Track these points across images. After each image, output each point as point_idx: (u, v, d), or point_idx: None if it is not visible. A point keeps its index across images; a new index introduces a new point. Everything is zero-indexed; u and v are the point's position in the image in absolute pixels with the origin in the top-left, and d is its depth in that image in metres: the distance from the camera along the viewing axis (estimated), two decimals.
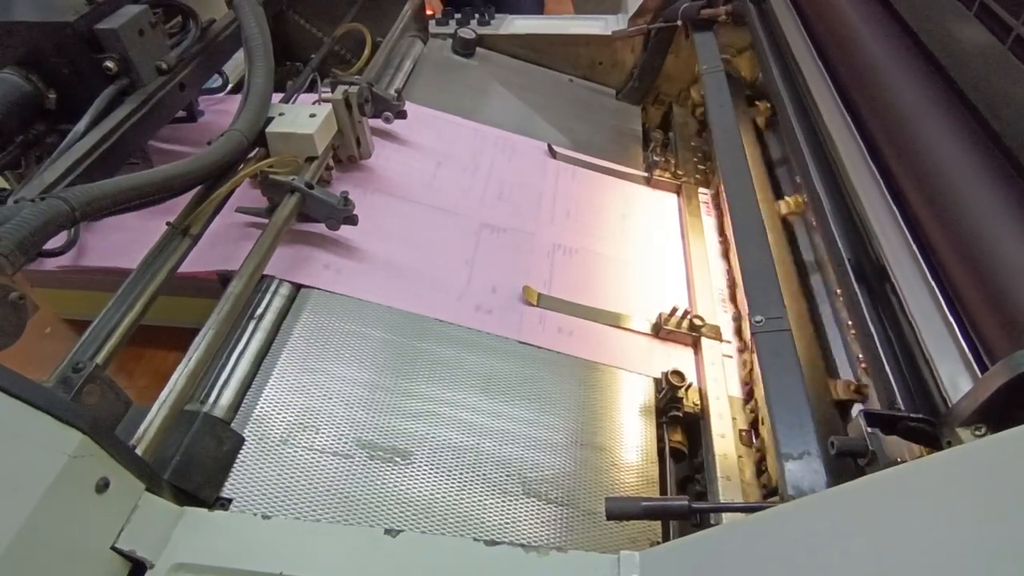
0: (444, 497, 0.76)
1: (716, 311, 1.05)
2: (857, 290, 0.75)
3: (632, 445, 0.87)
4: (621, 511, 0.65)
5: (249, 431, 0.75)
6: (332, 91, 1.09)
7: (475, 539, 0.58)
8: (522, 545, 0.57)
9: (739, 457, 0.84)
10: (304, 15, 1.49)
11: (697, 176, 1.35)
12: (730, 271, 1.14)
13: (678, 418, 0.91)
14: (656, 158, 1.36)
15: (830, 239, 0.82)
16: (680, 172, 1.35)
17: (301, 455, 0.75)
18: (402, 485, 0.75)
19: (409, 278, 1.00)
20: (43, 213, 0.63)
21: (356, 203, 0.98)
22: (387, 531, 0.57)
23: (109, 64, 0.91)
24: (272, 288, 0.91)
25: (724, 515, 0.71)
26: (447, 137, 1.30)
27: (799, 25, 1.15)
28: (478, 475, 0.78)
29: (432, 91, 1.42)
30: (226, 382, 0.79)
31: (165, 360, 1.05)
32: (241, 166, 0.96)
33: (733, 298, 1.10)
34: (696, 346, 1.00)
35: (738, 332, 1.03)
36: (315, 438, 0.77)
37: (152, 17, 0.96)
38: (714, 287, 1.10)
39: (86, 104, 0.89)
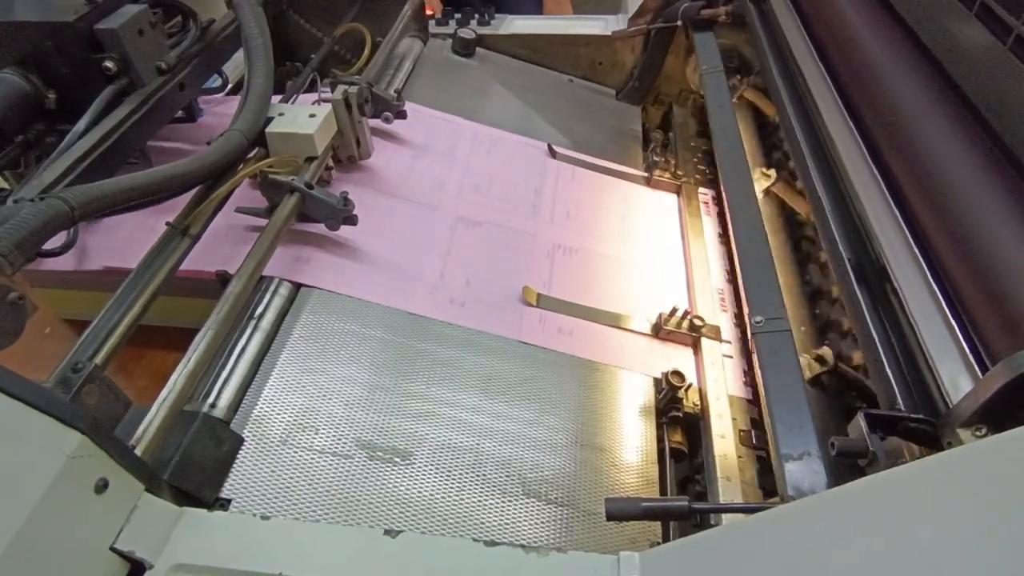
0: (444, 497, 0.75)
1: (716, 311, 1.05)
2: (857, 290, 0.75)
3: (632, 445, 0.87)
4: (621, 512, 0.65)
5: (248, 431, 0.75)
6: (332, 91, 1.09)
7: (475, 540, 0.58)
8: (522, 546, 0.57)
9: (739, 457, 0.84)
10: (304, 15, 1.49)
11: (697, 176, 1.35)
12: (732, 271, 1.14)
13: (678, 418, 0.91)
14: (656, 158, 1.36)
15: (830, 239, 0.82)
16: (680, 172, 1.35)
17: (301, 455, 0.75)
18: (402, 485, 0.75)
19: (409, 278, 0.99)
20: (42, 213, 0.63)
21: (356, 203, 0.98)
22: (387, 531, 0.57)
23: (109, 64, 0.91)
24: (272, 288, 0.91)
25: (724, 516, 0.71)
26: (447, 137, 1.30)
27: (799, 25, 1.15)
28: (478, 475, 0.78)
29: (432, 91, 1.42)
30: (225, 382, 0.79)
31: (164, 360, 1.05)
32: (241, 166, 0.96)
33: (736, 298, 1.10)
34: (696, 346, 1.00)
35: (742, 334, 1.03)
36: (315, 438, 0.77)
37: (152, 17, 0.96)
38: (714, 287, 1.10)
39: (85, 104, 0.89)
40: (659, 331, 1.01)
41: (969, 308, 0.62)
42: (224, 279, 0.90)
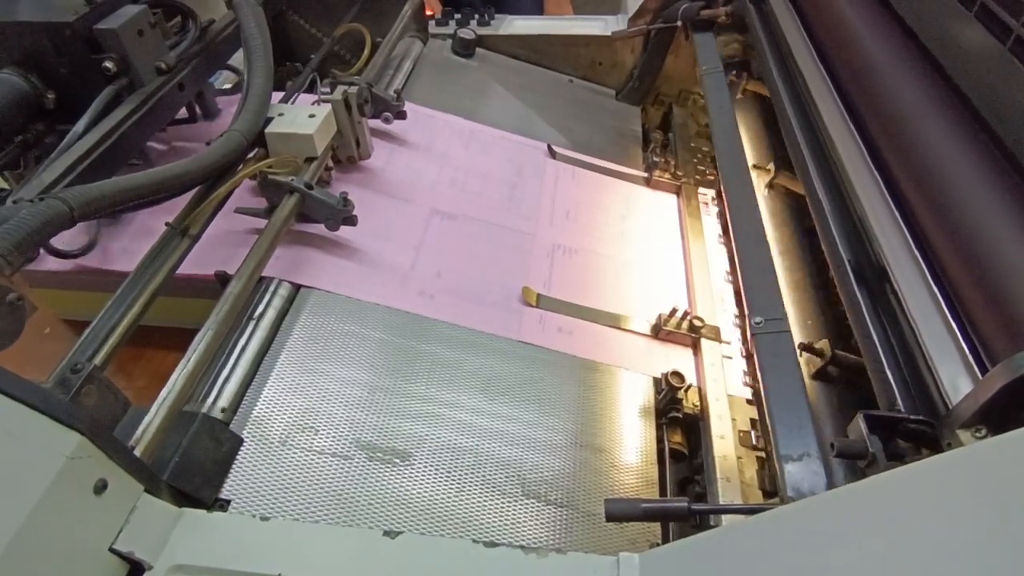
0: (443, 498, 0.75)
1: (716, 312, 1.05)
2: (857, 291, 0.75)
3: (632, 446, 0.87)
4: (621, 513, 0.65)
5: (248, 432, 0.75)
6: (331, 91, 1.09)
7: (474, 540, 0.58)
8: (521, 547, 0.57)
9: (739, 458, 0.84)
10: (304, 15, 1.49)
11: (697, 176, 1.35)
12: (733, 271, 1.14)
13: (678, 419, 0.91)
14: (656, 159, 1.36)
15: (830, 240, 0.82)
16: (680, 173, 1.35)
17: (300, 456, 0.75)
18: (401, 486, 0.75)
19: (409, 279, 0.99)
20: (41, 214, 0.63)
21: (355, 203, 0.98)
22: (386, 532, 0.57)
23: (108, 64, 0.91)
24: (271, 289, 0.91)
25: (723, 517, 0.71)
26: (447, 138, 1.30)
27: (799, 26, 1.15)
28: (477, 476, 0.78)
29: (432, 92, 1.42)
30: (225, 383, 0.79)
31: (164, 361, 1.05)
32: (240, 166, 0.96)
33: (737, 299, 1.09)
34: (696, 347, 1.00)
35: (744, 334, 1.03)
36: (314, 439, 0.77)
37: (151, 17, 0.96)
38: (714, 288, 1.10)
39: (85, 104, 0.89)
40: (659, 332, 1.01)
41: (969, 309, 0.62)
42: (224, 279, 0.90)
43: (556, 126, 1.44)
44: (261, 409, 0.78)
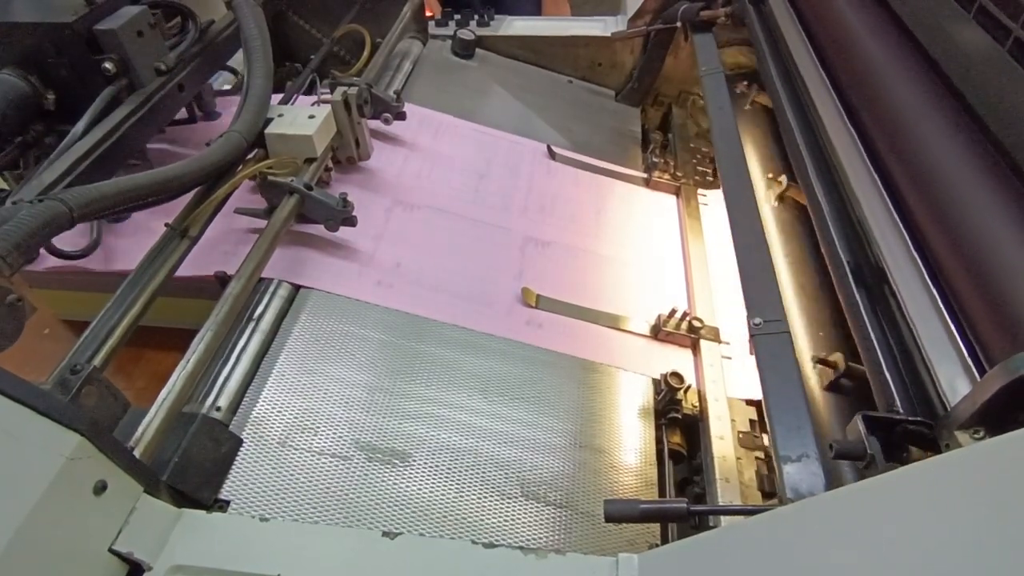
0: (442, 499, 0.75)
1: (715, 312, 1.05)
2: (855, 292, 0.75)
3: (631, 447, 0.87)
4: (620, 513, 0.65)
5: (247, 433, 0.75)
6: (331, 92, 1.09)
7: (473, 541, 0.58)
8: (520, 547, 0.57)
9: (738, 459, 0.84)
10: (303, 16, 1.49)
11: (696, 177, 1.35)
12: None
13: (677, 420, 0.91)
14: (655, 159, 1.36)
15: (829, 241, 0.82)
16: (679, 173, 1.35)
17: (299, 457, 0.75)
18: (400, 487, 0.75)
19: (408, 279, 0.99)
20: (41, 215, 0.63)
21: (355, 204, 0.98)
22: (385, 533, 0.57)
23: (108, 65, 0.91)
24: (271, 289, 0.91)
25: (722, 517, 0.71)
26: (446, 138, 1.30)
27: (798, 27, 1.15)
28: (477, 477, 0.78)
29: (431, 92, 1.42)
30: (224, 384, 0.79)
31: (164, 361, 1.05)
32: (240, 167, 0.96)
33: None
34: (695, 348, 1.00)
35: None
36: (313, 440, 0.77)
37: (151, 18, 0.96)
38: (713, 288, 1.10)
39: (85, 105, 0.89)
40: (658, 332, 1.01)
41: (967, 310, 0.62)
42: (223, 280, 0.90)
43: (556, 127, 1.44)
44: (260, 410, 0.78)
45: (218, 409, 0.76)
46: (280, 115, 1.03)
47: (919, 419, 0.58)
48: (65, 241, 0.90)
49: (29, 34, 0.88)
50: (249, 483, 0.71)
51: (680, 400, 0.91)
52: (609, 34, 1.57)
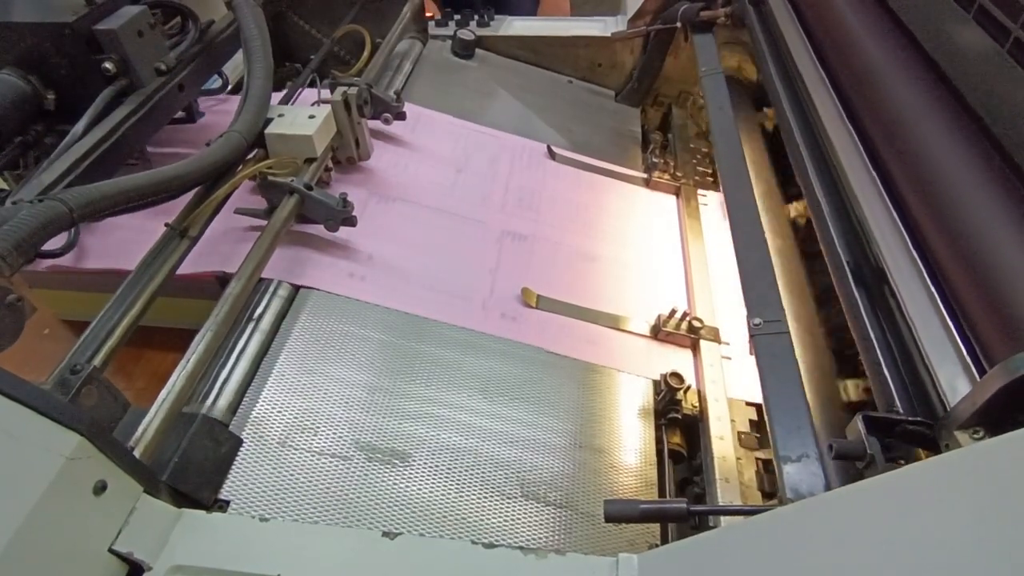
0: (442, 499, 0.75)
1: (715, 313, 1.05)
2: (855, 292, 0.75)
3: (631, 447, 0.87)
4: (620, 514, 0.65)
5: (247, 433, 0.75)
6: (331, 92, 1.09)
7: (473, 542, 0.58)
8: (520, 548, 0.57)
9: (738, 459, 0.84)
10: (303, 16, 1.49)
11: (696, 178, 1.35)
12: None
13: (677, 420, 0.91)
14: (655, 160, 1.36)
15: (828, 242, 0.82)
16: (679, 174, 1.35)
17: (299, 457, 0.75)
18: (400, 487, 0.75)
19: (408, 279, 1.00)
20: (41, 215, 0.63)
21: (355, 204, 0.98)
22: (385, 533, 0.57)
23: (108, 65, 0.91)
24: (271, 289, 0.91)
25: (722, 518, 0.71)
26: (446, 139, 1.30)
27: (798, 27, 1.15)
28: (477, 477, 0.78)
29: (431, 92, 1.42)
30: (224, 384, 0.79)
31: (164, 361, 1.05)
32: (240, 167, 0.96)
33: None
34: (695, 348, 1.00)
35: None
36: (313, 440, 0.77)
37: (151, 18, 0.96)
38: (713, 289, 1.10)
39: (85, 105, 0.89)
40: (658, 333, 1.01)
41: (967, 310, 0.62)
42: (223, 280, 0.90)
43: (556, 127, 1.44)
44: (260, 410, 0.78)
45: (218, 409, 0.76)
46: (280, 115, 1.03)
47: (919, 419, 0.58)
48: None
49: (29, 34, 0.88)
50: (249, 483, 0.71)
51: (680, 400, 0.91)
52: (609, 34, 1.57)
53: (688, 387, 0.92)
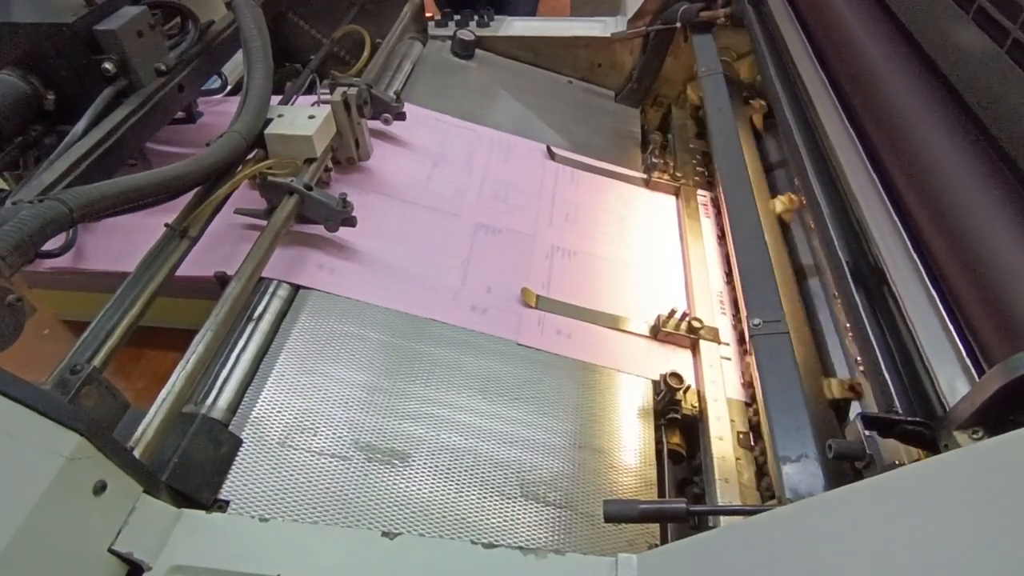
0: (442, 499, 0.75)
1: (714, 313, 1.06)
2: (855, 293, 0.75)
3: (630, 447, 0.87)
4: (619, 514, 0.65)
5: (247, 433, 0.75)
6: (331, 92, 1.09)
7: (473, 542, 0.58)
8: (520, 548, 0.57)
9: (737, 459, 0.84)
10: (303, 17, 1.49)
11: (696, 178, 1.35)
12: (730, 273, 1.14)
13: (676, 420, 0.91)
14: (655, 160, 1.36)
15: (828, 242, 0.83)
16: (679, 174, 1.35)
17: (299, 457, 0.75)
18: (400, 487, 0.75)
19: (407, 279, 1.00)
20: (41, 215, 0.63)
21: (355, 204, 0.98)
22: (385, 533, 0.57)
23: (108, 65, 0.91)
24: (270, 289, 0.91)
25: (722, 518, 0.71)
26: (446, 139, 1.30)
27: (797, 28, 1.15)
28: (476, 477, 0.78)
29: (431, 93, 1.42)
30: (224, 384, 0.79)
31: (163, 361, 1.05)
32: (240, 167, 0.96)
33: (734, 300, 1.10)
34: (694, 348, 1.00)
35: (741, 336, 1.03)
36: (313, 440, 0.77)
37: (151, 18, 0.96)
38: (712, 289, 1.10)
39: (85, 105, 0.89)
40: (658, 333, 1.01)
41: (966, 311, 0.62)
42: (223, 280, 0.90)
43: (555, 127, 1.44)
44: (260, 410, 0.78)
45: (218, 410, 0.76)
46: (280, 115, 1.03)
47: (918, 419, 0.58)
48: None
49: (29, 34, 0.88)
50: (249, 483, 0.71)
51: (679, 400, 0.91)
52: (609, 35, 1.57)
53: (688, 387, 0.92)
